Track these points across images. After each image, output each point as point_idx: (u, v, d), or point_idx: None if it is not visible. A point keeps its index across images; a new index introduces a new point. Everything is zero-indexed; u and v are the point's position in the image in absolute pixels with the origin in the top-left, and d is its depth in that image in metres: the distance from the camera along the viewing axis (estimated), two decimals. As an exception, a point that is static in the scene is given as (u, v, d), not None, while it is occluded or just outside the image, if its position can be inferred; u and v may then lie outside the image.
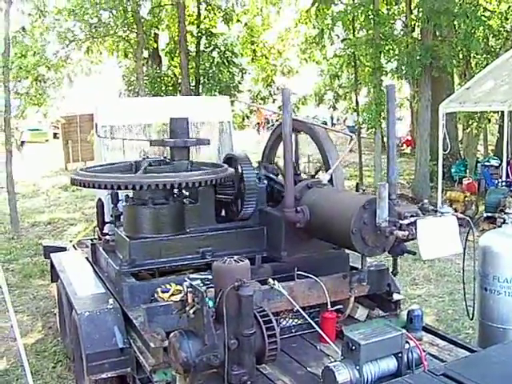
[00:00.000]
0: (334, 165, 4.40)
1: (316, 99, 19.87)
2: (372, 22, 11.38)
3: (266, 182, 4.75)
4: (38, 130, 25.86)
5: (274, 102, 18.98)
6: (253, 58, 17.91)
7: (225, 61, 16.24)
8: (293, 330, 3.98)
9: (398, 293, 4.27)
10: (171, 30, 17.12)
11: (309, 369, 3.48)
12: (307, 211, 4.02)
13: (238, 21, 16.93)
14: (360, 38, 12.32)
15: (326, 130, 4.91)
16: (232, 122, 6.29)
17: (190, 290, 3.00)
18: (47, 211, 12.48)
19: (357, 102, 14.23)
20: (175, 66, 17.14)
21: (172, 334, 3.04)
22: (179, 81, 16.37)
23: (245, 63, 17.91)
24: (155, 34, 17.18)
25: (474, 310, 3.96)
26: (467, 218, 3.87)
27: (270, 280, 3.79)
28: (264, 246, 4.49)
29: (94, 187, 4.13)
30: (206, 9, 16.28)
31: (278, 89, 18.47)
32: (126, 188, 4.08)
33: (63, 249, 6.28)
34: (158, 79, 16.69)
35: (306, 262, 4.15)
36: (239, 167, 4.58)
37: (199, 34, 16.08)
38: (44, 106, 14.07)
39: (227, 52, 16.47)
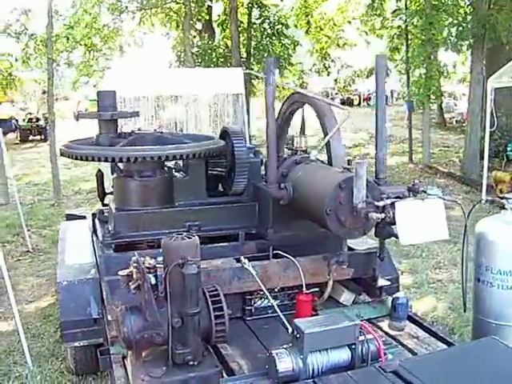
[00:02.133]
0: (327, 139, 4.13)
1: (367, 74, 19.09)
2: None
3: (261, 156, 4.58)
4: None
5: (328, 74, 18.53)
6: (307, 30, 17.48)
7: (275, 32, 15.87)
8: (268, 311, 3.82)
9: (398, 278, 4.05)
10: (224, 1, 16.96)
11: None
12: (290, 188, 3.83)
13: (292, -9, 16.55)
14: (410, 9, 11.67)
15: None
16: (245, 94, 6.10)
17: (134, 265, 2.90)
18: (92, 179, 12.77)
19: (408, 77, 13.60)
20: (227, 38, 17.01)
21: (118, 309, 2.97)
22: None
23: (299, 35, 17.51)
24: (208, 5, 17.08)
25: (464, 302, 3.65)
26: (457, 202, 3.54)
27: (242, 258, 3.66)
28: (255, 222, 4.32)
29: (76, 159, 4.09)
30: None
31: (333, 61, 18.01)
32: (106, 160, 4.01)
33: (83, 217, 6.36)
34: (209, 51, 16.60)
35: (293, 240, 3.96)
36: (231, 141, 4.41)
37: (250, 5, 15.82)
38: (94, 77, 14.35)
39: (277, 23, 16.09)
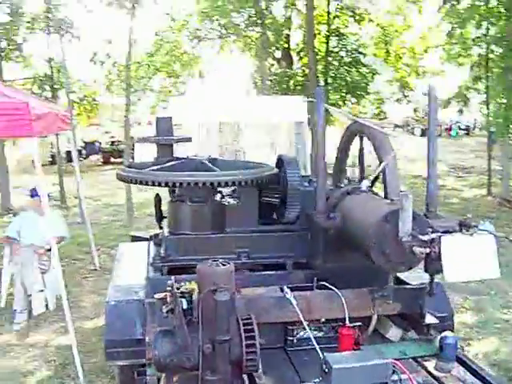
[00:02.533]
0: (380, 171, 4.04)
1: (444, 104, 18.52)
2: (504, 17, 10.36)
3: (311, 185, 4.53)
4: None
5: (408, 103, 18.18)
6: (386, 59, 17.31)
7: (352, 61, 15.84)
8: (310, 343, 3.73)
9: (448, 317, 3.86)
10: (303, 30, 17.16)
11: (306, 384, 3.23)
12: (338, 218, 3.76)
13: (371, 21, 16.46)
14: (491, 36, 11.28)
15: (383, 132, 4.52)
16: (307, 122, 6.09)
17: (168, 288, 2.94)
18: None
19: (487, 106, 13.06)
20: (305, 66, 17.16)
21: (152, 332, 3.01)
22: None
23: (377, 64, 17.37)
24: (287, 34, 17.35)
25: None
26: (510, 239, 3.34)
27: (285, 288, 3.61)
28: (305, 252, 4.27)
29: (126, 182, 4.22)
30: (336, 9, 16.06)
31: (412, 90, 17.66)
32: (153, 184, 4.09)
33: (147, 239, 6.54)
34: (287, 78, 16.80)
35: (342, 272, 3.87)
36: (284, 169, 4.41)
37: (328, 34, 15.90)
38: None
39: (355, 52, 16.05)
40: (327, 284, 3.70)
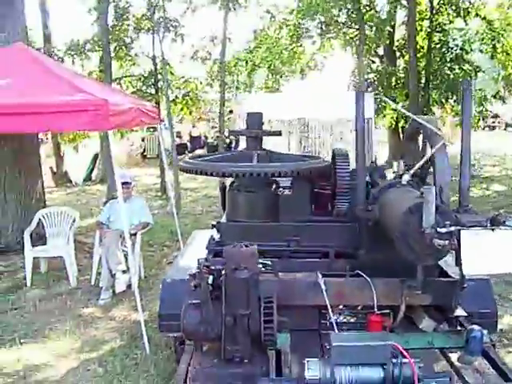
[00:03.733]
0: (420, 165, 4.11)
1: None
2: None
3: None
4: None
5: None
6: (492, 55, 16.51)
7: (453, 58, 15.31)
8: (343, 327, 3.91)
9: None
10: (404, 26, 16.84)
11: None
12: (377, 210, 3.90)
13: (477, 15, 15.78)
14: None
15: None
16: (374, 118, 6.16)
17: (198, 266, 3.27)
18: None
19: None
20: (407, 63, 16.85)
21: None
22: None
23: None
24: (389, 30, 17.10)
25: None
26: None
27: (318, 274, 3.82)
28: (352, 242, 4.43)
29: (186, 172, 4.57)
30: (438, 3, 15.59)
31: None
32: (212, 175, 4.43)
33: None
34: (387, 76, 16.61)
35: (382, 262, 4.00)
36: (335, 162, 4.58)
37: (430, 30, 15.49)
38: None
39: (457, 48, 15.50)
40: (361, 273, 3.85)
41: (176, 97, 14.42)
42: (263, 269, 4.08)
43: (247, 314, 3.12)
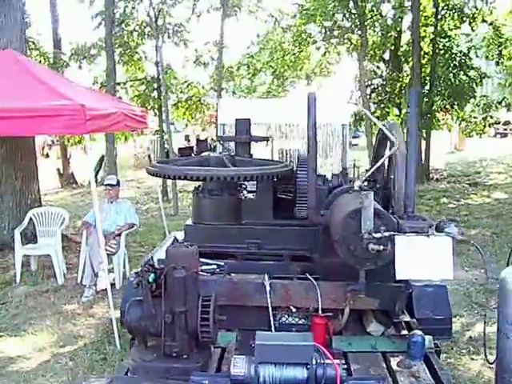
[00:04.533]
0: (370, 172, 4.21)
1: None
2: None
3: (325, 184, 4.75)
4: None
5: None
6: (498, 62, 16.42)
7: (457, 64, 15.27)
8: (292, 329, 4.01)
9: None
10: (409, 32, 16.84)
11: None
12: (329, 215, 4.00)
13: (484, 21, 15.72)
14: None
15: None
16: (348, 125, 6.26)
17: (140, 264, 3.41)
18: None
19: None
20: (411, 69, 16.85)
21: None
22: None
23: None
24: (395, 36, 17.12)
25: (485, 354, 3.42)
26: (474, 244, 3.39)
27: (265, 276, 3.93)
28: (311, 246, 4.53)
29: (155, 176, 4.69)
30: (443, 8, 15.57)
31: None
32: (174, 178, 4.56)
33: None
34: (391, 82, 16.63)
35: (335, 266, 4.09)
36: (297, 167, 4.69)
37: (434, 36, 15.48)
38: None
39: (460, 54, 15.46)
40: (308, 275, 3.95)
41: (178, 101, 14.63)
42: (217, 269, 4.26)
43: (184, 311, 3.25)
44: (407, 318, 3.87)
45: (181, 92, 15.62)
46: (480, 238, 9.63)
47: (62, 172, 17.31)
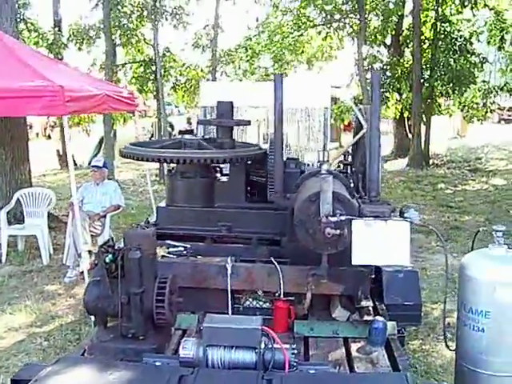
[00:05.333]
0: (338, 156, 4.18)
1: None
2: None
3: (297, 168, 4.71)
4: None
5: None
6: (500, 47, 16.20)
7: (456, 49, 15.08)
8: (257, 313, 4.00)
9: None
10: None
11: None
12: (294, 199, 3.98)
13: (486, 6, 15.49)
14: None
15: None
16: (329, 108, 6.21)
17: (99, 245, 3.42)
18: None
19: None
20: (412, 54, 16.68)
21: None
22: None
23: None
24: (396, 21, 16.90)
25: (445, 339, 3.41)
26: (432, 228, 3.36)
27: (228, 258, 3.92)
28: (282, 230, 4.52)
29: (124, 157, 4.68)
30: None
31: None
32: (150, 160, 4.55)
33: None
34: (390, 66, 16.46)
35: (304, 250, 4.08)
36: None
37: (435, 21, 15.29)
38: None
39: (462, 39, 15.26)
40: (272, 259, 3.93)
41: (176, 84, 14.57)
42: (184, 252, 4.25)
43: (139, 292, 3.25)
44: (369, 304, 3.84)
45: (180, 75, 15.56)
46: (473, 224, 9.57)
47: (61, 153, 17.31)
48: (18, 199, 7.86)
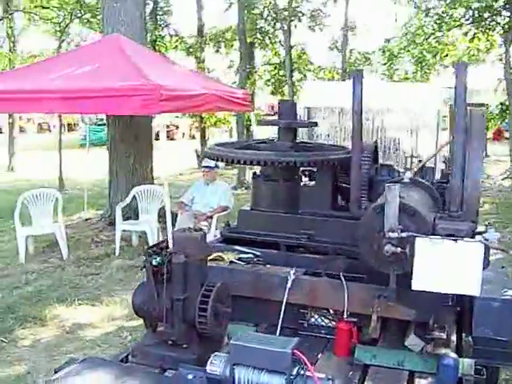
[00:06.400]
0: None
1: None
2: None
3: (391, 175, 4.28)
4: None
5: None
6: None
7: None
8: (322, 331, 3.67)
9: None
10: None
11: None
12: (369, 209, 3.59)
13: None
14: None
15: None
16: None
17: (146, 247, 3.33)
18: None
19: None
20: None
21: (141, 282, 3.44)
22: None
23: None
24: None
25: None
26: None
27: (291, 270, 3.63)
28: None
29: (212, 159, 4.55)
30: None
31: None
32: (232, 162, 4.38)
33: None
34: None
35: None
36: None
37: None
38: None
39: None
40: (341, 275, 3.56)
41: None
42: (254, 259, 4.03)
43: (182, 299, 3.10)
44: (441, 335, 3.29)
45: (316, 76, 15.39)
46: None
47: (199, 153, 18.00)
48: (134, 196, 8.19)
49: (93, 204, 11.29)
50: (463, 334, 3.66)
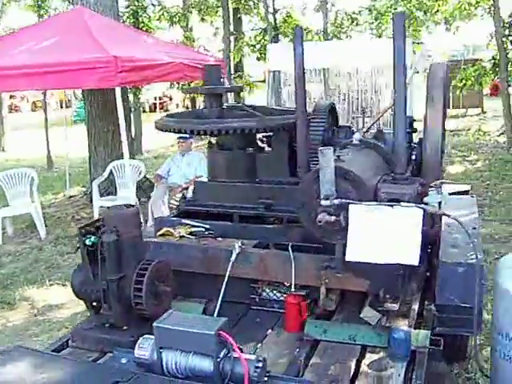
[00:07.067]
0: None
1: None
2: None
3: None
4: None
5: None
6: None
7: None
8: (274, 305, 3.53)
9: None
10: None
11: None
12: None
13: None
14: None
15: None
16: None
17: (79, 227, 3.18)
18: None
19: None
20: None
21: (80, 265, 3.30)
22: None
23: None
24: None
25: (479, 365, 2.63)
26: (458, 220, 2.61)
27: (238, 242, 3.47)
28: None
29: (162, 130, 4.35)
30: None
31: None
32: (185, 132, 4.17)
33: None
34: None
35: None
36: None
37: None
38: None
39: None
40: (290, 245, 3.38)
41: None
42: (206, 233, 3.86)
43: (116, 279, 2.96)
44: (392, 306, 3.11)
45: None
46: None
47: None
48: (111, 171, 8.03)
49: (79, 181, 11.16)
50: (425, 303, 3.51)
